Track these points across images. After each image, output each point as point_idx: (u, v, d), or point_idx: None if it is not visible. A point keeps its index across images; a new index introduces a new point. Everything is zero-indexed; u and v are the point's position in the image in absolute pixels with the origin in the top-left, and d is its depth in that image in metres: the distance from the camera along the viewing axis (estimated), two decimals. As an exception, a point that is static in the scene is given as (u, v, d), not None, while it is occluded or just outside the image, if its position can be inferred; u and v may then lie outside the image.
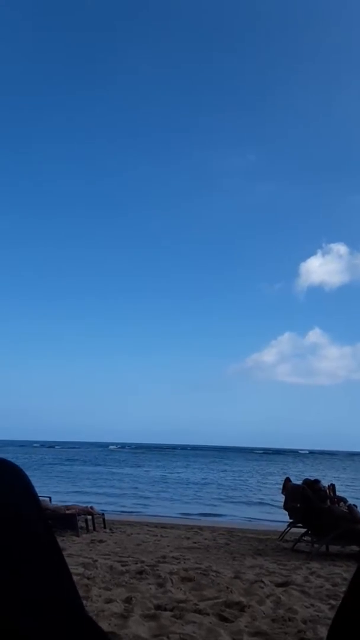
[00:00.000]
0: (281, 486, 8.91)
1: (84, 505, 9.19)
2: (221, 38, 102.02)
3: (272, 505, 14.40)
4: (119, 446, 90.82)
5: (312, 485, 7.71)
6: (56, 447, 79.59)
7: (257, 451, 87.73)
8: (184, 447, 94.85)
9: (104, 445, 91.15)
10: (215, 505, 15.82)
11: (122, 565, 5.20)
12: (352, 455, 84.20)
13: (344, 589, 4.67)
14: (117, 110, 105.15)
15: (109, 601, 3.77)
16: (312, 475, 9.48)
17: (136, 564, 5.34)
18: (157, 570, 4.95)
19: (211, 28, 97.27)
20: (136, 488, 20.21)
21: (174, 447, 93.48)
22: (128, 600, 3.81)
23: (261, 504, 16.28)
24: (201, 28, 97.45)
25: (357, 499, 10.29)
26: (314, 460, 58.09)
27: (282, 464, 46.57)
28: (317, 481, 7.93)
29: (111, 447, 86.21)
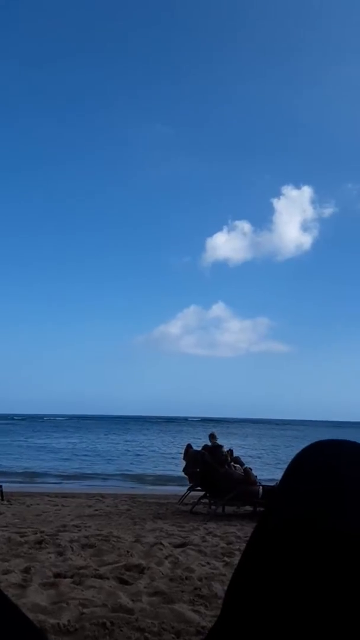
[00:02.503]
0: (182, 452, 9.23)
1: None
2: (145, 11, 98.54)
3: (171, 471, 14.85)
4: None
5: (213, 450, 8.06)
6: None
7: (159, 420, 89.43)
8: (84, 418, 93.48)
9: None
10: (115, 473, 16.01)
11: (21, 536, 5.11)
12: (242, 422, 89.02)
13: (237, 546, 4.97)
14: (32, 76, 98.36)
15: (6, 572, 3.69)
16: (204, 441, 9.94)
17: (35, 534, 5.27)
18: (57, 539, 4.92)
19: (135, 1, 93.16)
20: (34, 459, 19.84)
21: (71, 418, 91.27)
22: (26, 570, 3.76)
23: (160, 470, 16.71)
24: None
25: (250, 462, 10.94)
26: (204, 427, 60.29)
27: (174, 432, 47.91)
28: (219, 446, 8.31)
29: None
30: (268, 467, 15.09)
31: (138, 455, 23.23)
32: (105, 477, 15.40)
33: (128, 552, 4.46)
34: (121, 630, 2.65)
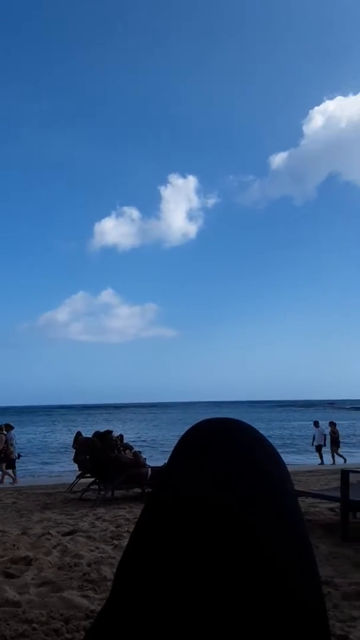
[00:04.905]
0: (70, 441, 9.12)
1: None
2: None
3: (58, 459, 14.48)
4: None
5: (103, 436, 8.05)
6: None
7: (38, 409, 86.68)
8: None
9: None
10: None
11: None
12: (125, 407, 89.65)
13: (126, 528, 5.04)
14: None
15: None
16: (91, 428, 9.93)
17: None
18: None
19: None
20: None
21: None
22: None
23: (46, 460, 16.25)
24: None
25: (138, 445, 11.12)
26: (90, 415, 59.41)
27: (55, 421, 46.77)
28: (109, 432, 8.32)
29: None
30: (148, 450, 15.31)
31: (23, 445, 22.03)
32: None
33: (14, 545, 4.34)
34: (7, 624, 2.59)
